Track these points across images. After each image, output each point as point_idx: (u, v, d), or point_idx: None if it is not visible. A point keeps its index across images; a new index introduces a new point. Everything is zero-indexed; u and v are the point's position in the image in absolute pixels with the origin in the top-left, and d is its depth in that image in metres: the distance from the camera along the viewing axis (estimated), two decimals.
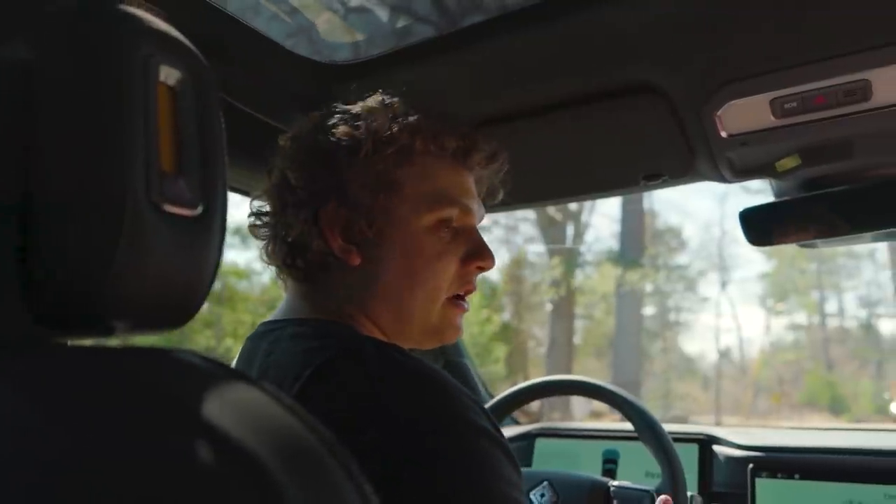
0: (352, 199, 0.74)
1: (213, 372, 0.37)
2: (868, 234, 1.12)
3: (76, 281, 0.36)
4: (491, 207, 1.38)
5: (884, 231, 1.10)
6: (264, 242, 0.79)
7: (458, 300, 0.79)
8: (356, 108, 0.77)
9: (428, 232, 0.75)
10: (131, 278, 0.37)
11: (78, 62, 0.36)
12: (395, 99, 0.78)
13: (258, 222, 0.80)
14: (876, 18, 0.77)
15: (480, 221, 0.83)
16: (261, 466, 0.31)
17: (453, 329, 0.79)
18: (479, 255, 0.78)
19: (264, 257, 0.80)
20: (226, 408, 0.34)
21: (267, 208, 0.80)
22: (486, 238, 0.80)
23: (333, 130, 0.75)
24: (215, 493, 0.30)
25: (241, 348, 0.77)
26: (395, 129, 0.74)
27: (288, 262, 0.76)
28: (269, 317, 0.78)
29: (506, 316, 12.24)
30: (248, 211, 0.82)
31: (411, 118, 0.76)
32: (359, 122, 0.75)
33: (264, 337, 0.73)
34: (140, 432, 0.32)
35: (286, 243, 0.75)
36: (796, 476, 1.25)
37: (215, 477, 0.31)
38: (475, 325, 9.92)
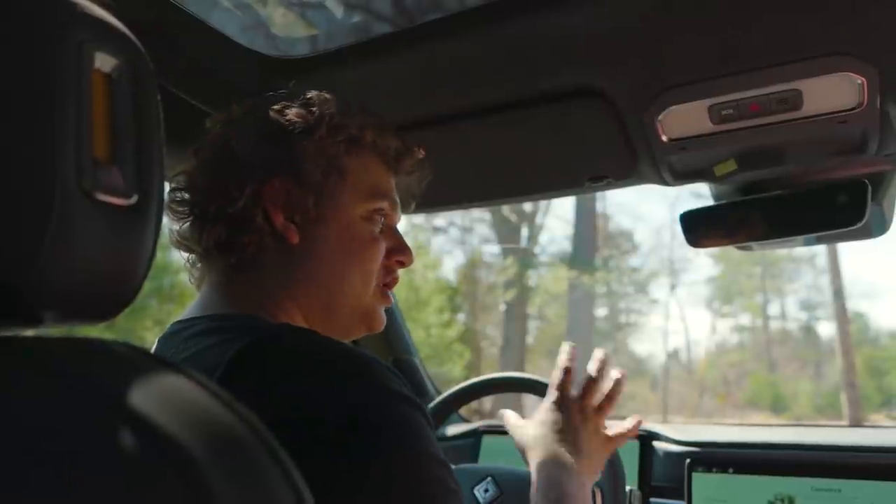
0: (305, 175, 0.75)
1: (143, 363, 0.37)
2: (801, 238, 1.17)
3: (1, 269, 0.35)
4: (444, 206, 1.40)
5: (815, 234, 1.15)
6: (180, 224, 0.77)
7: (385, 289, 0.84)
8: (309, 94, 0.79)
9: (363, 220, 0.79)
10: (60, 267, 0.36)
11: (8, 46, 0.35)
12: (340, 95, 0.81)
13: (178, 199, 0.77)
14: (807, 31, 0.81)
15: (398, 223, 0.87)
16: (187, 456, 0.32)
17: (379, 318, 0.83)
18: (401, 251, 0.84)
19: (178, 239, 0.77)
20: (154, 398, 0.34)
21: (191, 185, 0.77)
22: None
23: (287, 111, 0.76)
24: (140, 481, 0.30)
25: (152, 350, 0.74)
26: (347, 118, 0.78)
27: (222, 240, 0.73)
28: (181, 315, 0.76)
29: (461, 316, 12.28)
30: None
31: (359, 112, 0.80)
32: (313, 108, 0.77)
33: (175, 336, 0.71)
34: (66, 421, 0.32)
35: (223, 219, 0.73)
36: (730, 470, 1.29)
37: (140, 466, 0.31)
38: (435, 326, 9.91)
